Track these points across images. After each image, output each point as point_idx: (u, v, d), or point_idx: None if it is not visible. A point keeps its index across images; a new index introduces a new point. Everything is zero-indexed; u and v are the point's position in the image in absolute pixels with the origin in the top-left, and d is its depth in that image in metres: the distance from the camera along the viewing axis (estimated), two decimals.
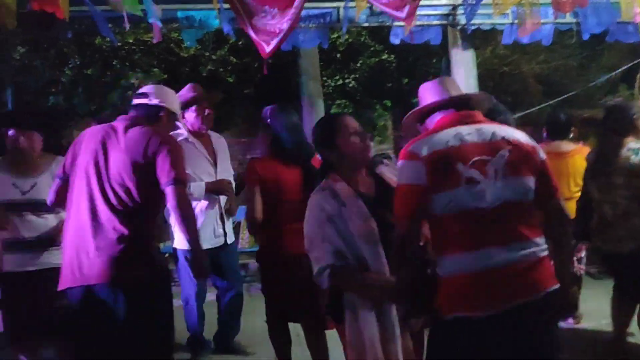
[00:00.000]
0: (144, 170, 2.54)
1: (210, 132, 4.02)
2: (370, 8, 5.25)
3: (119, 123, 2.67)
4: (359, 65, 10.34)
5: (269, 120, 3.27)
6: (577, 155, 4.29)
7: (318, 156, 2.71)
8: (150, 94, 2.76)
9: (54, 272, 2.85)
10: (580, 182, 4.25)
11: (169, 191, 2.54)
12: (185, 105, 3.71)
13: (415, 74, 10.56)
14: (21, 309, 3.14)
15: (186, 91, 3.81)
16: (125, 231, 2.50)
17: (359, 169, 2.35)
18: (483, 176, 1.91)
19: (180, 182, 2.56)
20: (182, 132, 3.47)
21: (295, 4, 3.55)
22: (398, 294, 2.08)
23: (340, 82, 10.38)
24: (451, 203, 1.91)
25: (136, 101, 2.77)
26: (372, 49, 10.23)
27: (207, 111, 3.85)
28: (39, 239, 3.15)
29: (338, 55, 10.16)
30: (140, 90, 2.85)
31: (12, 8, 3.82)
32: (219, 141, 4.07)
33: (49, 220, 3.19)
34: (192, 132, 3.83)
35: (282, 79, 9.16)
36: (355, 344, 2.15)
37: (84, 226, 2.52)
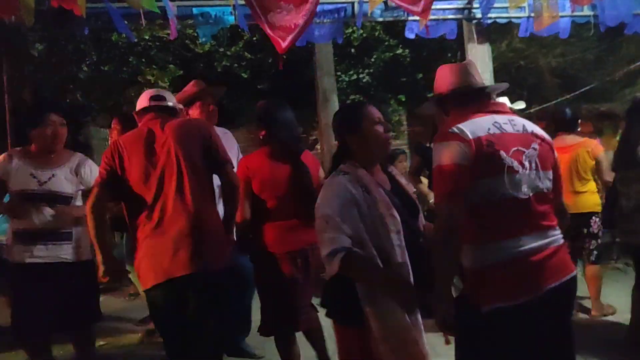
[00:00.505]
0: (204, 154, 2.73)
1: (216, 128, 3.97)
2: (385, 3, 5.25)
3: (152, 123, 2.77)
4: (373, 60, 10.30)
5: (262, 115, 3.29)
6: (580, 148, 4.27)
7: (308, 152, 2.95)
8: (166, 98, 2.92)
9: (64, 266, 3.18)
10: (585, 177, 4.25)
11: (228, 169, 2.80)
12: (189, 101, 3.72)
13: (430, 69, 10.49)
14: (29, 301, 3.13)
15: (190, 87, 3.81)
16: (213, 218, 2.73)
17: (378, 159, 2.31)
18: (520, 166, 1.98)
19: (229, 161, 2.83)
20: None
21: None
22: (441, 287, 1.93)
23: (355, 77, 10.35)
24: (492, 190, 1.96)
25: (156, 103, 2.85)
26: (386, 43, 10.19)
27: (211, 107, 3.79)
28: (52, 230, 3.18)
29: (352, 50, 10.13)
30: (158, 94, 2.94)
31: (31, 5, 3.88)
32: (225, 136, 3.89)
33: (64, 214, 3.23)
34: None
35: (296, 74, 9.17)
36: (391, 338, 2.03)
37: (175, 221, 2.58)
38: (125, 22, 4.95)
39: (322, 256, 2.07)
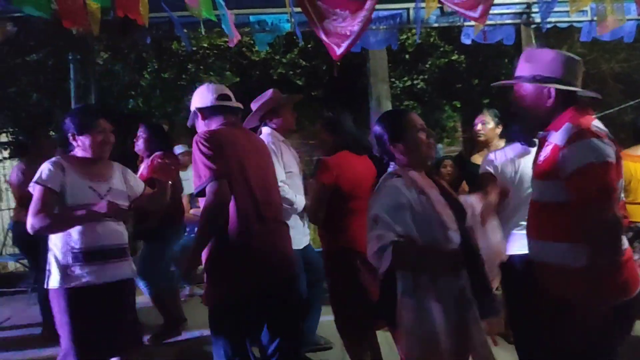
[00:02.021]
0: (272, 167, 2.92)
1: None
2: (441, 8, 5.21)
3: (239, 126, 2.86)
4: (427, 66, 10.21)
5: (335, 123, 3.43)
6: None
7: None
8: (231, 97, 2.88)
9: (122, 285, 2.92)
10: None
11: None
12: (274, 110, 3.85)
13: (486, 75, 10.32)
14: (93, 327, 2.82)
15: (272, 96, 3.89)
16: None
17: (421, 167, 2.29)
18: None
19: None
20: (276, 134, 3.87)
21: (367, 6, 3.57)
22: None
23: (409, 83, 10.29)
24: (619, 189, 2.04)
25: (231, 103, 2.83)
26: (441, 49, 10.08)
27: (289, 113, 3.93)
28: (117, 247, 2.92)
29: (406, 57, 10.08)
30: (222, 92, 2.84)
31: (97, 15, 4.05)
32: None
33: (123, 229, 3.00)
34: (281, 132, 3.94)
35: (350, 80, 9.20)
36: (418, 333, 2.05)
37: (264, 227, 2.67)
38: (185, 30, 5.12)
39: (370, 254, 2.06)
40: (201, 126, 2.82)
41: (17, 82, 6.16)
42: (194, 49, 8.19)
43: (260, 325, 2.79)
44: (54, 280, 2.80)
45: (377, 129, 2.34)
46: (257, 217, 2.64)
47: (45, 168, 2.82)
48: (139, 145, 4.50)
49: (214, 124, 2.77)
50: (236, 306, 2.61)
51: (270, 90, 3.96)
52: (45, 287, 2.85)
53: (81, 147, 2.94)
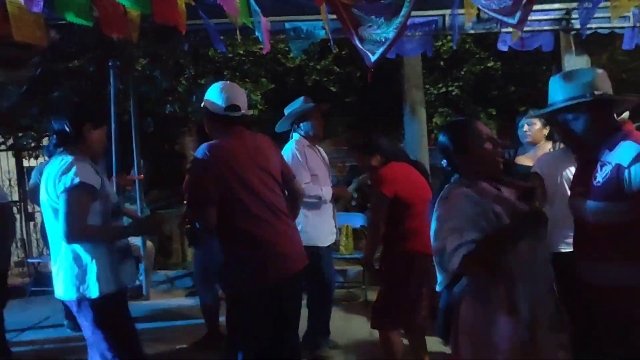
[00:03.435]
0: (280, 168, 2.98)
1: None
2: (477, 15, 5.15)
3: (245, 134, 2.90)
4: (462, 72, 10.11)
5: (369, 144, 3.60)
6: None
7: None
8: (242, 106, 2.93)
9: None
10: None
11: (298, 185, 3.14)
12: (304, 115, 4.11)
13: (523, 82, 10.16)
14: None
15: (302, 103, 4.14)
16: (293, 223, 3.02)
17: (490, 176, 2.21)
18: None
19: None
20: (303, 140, 4.12)
21: (402, 13, 3.56)
22: None
23: (444, 89, 10.21)
24: None
25: (236, 114, 2.89)
26: (477, 56, 9.97)
27: (320, 120, 4.19)
28: None
29: (441, 63, 10.00)
30: (234, 102, 2.90)
31: (137, 22, 4.15)
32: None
33: None
34: (308, 139, 4.18)
35: (384, 87, 9.18)
36: (475, 334, 2.03)
37: (275, 227, 2.81)
38: (221, 37, 5.19)
39: (441, 257, 2.04)
40: (207, 126, 2.99)
41: (60, 87, 6.33)
42: (230, 55, 8.29)
43: (271, 321, 2.87)
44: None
45: (442, 139, 2.28)
46: (266, 216, 2.78)
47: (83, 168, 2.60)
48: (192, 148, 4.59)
49: (216, 131, 2.92)
50: (251, 297, 2.75)
51: (301, 98, 4.18)
52: None
53: (94, 140, 2.74)
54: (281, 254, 2.80)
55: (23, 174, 8.12)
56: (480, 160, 2.17)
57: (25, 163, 8.26)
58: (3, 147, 8.25)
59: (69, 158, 2.62)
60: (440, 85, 10.20)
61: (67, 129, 2.67)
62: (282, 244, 2.81)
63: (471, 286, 2.07)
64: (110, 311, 2.71)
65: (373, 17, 3.64)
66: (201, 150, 2.77)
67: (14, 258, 8.44)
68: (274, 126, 4.38)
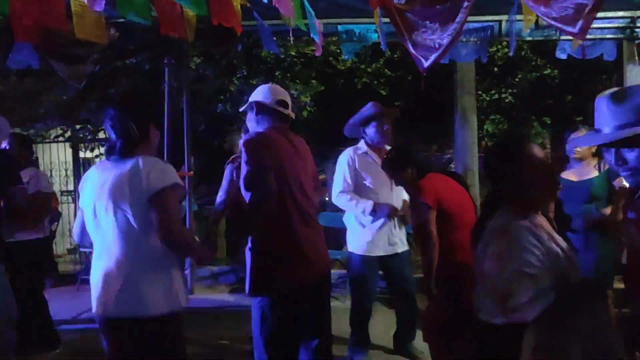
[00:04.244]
0: (312, 174, 3.01)
1: (387, 147, 4.19)
2: (536, 22, 5.01)
3: (290, 134, 2.95)
4: (517, 79, 9.89)
5: (403, 157, 3.55)
6: None
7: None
8: (289, 105, 3.00)
9: None
10: None
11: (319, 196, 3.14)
12: (366, 121, 4.07)
13: (581, 91, 9.86)
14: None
15: (368, 108, 4.10)
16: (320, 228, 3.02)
17: (541, 208, 2.02)
18: None
19: None
20: (362, 146, 4.10)
21: (458, 19, 3.49)
22: None
23: (496, 96, 10.02)
24: None
25: (285, 111, 2.96)
26: (532, 63, 9.73)
27: (385, 127, 4.07)
28: None
29: (495, 69, 9.81)
30: (283, 98, 2.97)
31: (193, 23, 4.22)
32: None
33: None
34: (370, 146, 4.12)
35: (435, 91, 9.07)
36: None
37: (304, 230, 2.84)
38: (274, 38, 5.23)
39: (514, 306, 1.86)
40: (251, 119, 3.01)
41: (117, 84, 6.53)
42: (282, 56, 8.36)
43: (298, 324, 2.91)
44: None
45: (490, 160, 2.09)
46: (298, 218, 2.80)
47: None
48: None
49: (265, 123, 2.94)
50: (279, 298, 2.77)
51: (370, 103, 4.15)
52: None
53: (151, 141, 2.49)
54: (311, 258, 2.84)
55: (79, 165, 8.44)
56: (531, 188, 1.96)
57: (81, 154, 8.58)
58: (61, 138, 8.57)
59: (151, 158, 2.36)
60: (493, 91, 10.01)
61: (133, 131, 2.39)
62: (309, 249, 2.84)
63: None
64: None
65: (427, 22, 3.59)
66: (253, 134, 2.82)
67: (66, 245, 8.79)
68: (323, 127, 4.38)
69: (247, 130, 4.50)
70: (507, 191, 2.01)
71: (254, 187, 2.66)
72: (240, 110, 3.15)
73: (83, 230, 2.48)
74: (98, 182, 2.34)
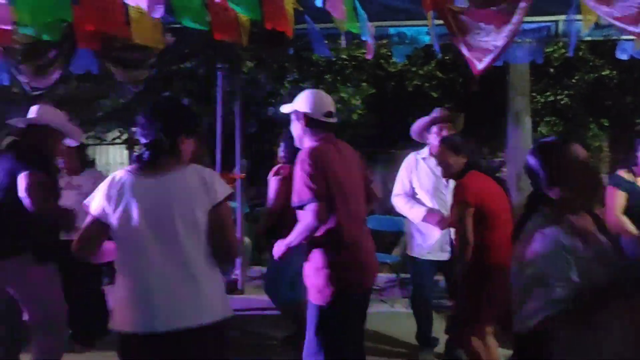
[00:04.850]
0: (362, 177, 3.03)
1: None
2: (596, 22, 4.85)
3: (337, 141, 2.98)
4: (574, 80, 9.59)
5: (460, 144, 3.54)
6: None
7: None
8: (333, 113, 3.00)
9: None
10: None
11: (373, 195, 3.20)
12: (428, 125, 4.09)
13: None
14: None
15: (433, 112, 4.14)
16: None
17: (585, 208, 1.97)
18: None
19: None
20: (423, 151, 4.16)
21: (514, 20, 3.41)
22: None
23: (552, 98, 9.74)
24: None
25: (332, 120, 2.97)
26: (590, 63, 9.42)
27: (444, 132, 4.01)
28: None
29: (551, 70, 9.54)
30: (330, 109, 2.98)
31: (247, 27, 4.29)
32: None
33: None
34: (431, 149, 4.10)
35: (487, 93, 8.89)
36: None
37: (360, 234, 2.90)
38: (325, 41, 5.24)
39: (526, 313, 1.84)
40: (297, 127, 2.98)
41: (171, 88, 6.70)
42: (334, 59, 8.38)
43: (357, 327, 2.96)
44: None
45: (532, 162, 2.03)
46: (352, 226, 2.84)
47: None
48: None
49: (314, 134, 2.93)
50: (341, 304, 2.79)
51: (436, 108, 4.19)
52: None
53: (184, 150, 2.38)
54: (366, 262, 2.91)
55: None
56: (576, 193, 1.92)
57: None
58: (118, 140, 8.85)
59: (206, 168, 2.36)
60: (548, 93, 9.74)
61: (163, 139, 2.29)
62: (365, 253, 2.91)
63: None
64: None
65: (482, 24, 3.52)
66: (306, 152, 2.82)
67: None
68: (373, 130, 4.41)
69: (288, 139, 4.55)
70: (547, 193, 1.96)
71: (306, 210, 2.74)
72: (283, 112, 3.14)
73: None
74: (146, 192, 2.24)
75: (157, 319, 2.18)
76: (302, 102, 2.98)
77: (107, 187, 2.28)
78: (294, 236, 2.84)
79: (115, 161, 8.90)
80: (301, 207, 2.76)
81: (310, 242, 2.84)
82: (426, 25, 4.79)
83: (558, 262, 1.81)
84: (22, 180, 3.12)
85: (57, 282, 3.35)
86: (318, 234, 2.78)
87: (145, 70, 4.73)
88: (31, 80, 4.58)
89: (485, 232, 3.28)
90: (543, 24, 5.14)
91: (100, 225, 2.26)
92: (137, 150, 9.22)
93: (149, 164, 2.27)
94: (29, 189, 3.10)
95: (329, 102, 3.02)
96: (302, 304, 4.87)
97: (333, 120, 2.98)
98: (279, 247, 2.98)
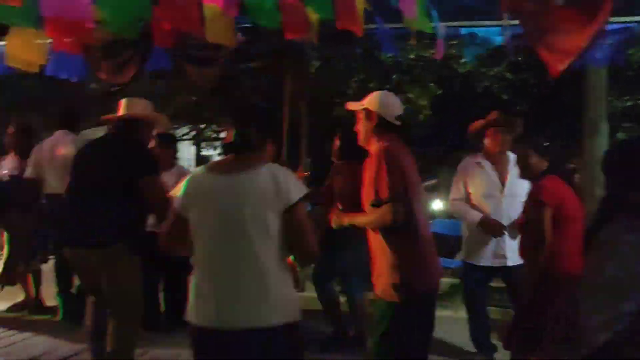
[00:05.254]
0: None
1: (509, 154, 4.14)
2: None
3: (402, 143, 2.93)
4: None
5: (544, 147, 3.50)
6: None
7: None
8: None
9: None
10: None
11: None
12: (482, 128, 4.12)
13: None
14: None
15: (489, 116, 4.14)
16: None
17: None
18: None
19: None
20: (479, 155, 4.16)
21: (598, 20, 3.26)
22: None
23: (630, 103, 9.28)
24: None
25: (398, 123, 2.91)
26: None
27: (499, 135, 4.05)
28: None
29: (630, 73, 9.08)
30: (400, 113, 2.96)
31: (316, 26, 4.31)
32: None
33: None
34: (487, 155, 4.14)
35: (560, 96, 8.58)
36: None
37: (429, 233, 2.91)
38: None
39: (588, 324, 1.72)
40: (367, 127, 2.93)
41: (241, 86, 6.81)
42: (401, 59, 8.29)
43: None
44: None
45: (611, 162, 1.95)
46: (426, 227, 2.86)
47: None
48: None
49: (386, 136, 2.87)
50: (418, 303, 2.78)
51: (493, 112, 4.15)
52: None
53: (268, 153, 2.49)
54: (436, 263, 2.92)
55: (201, 162, 8.96)
56: None
57: (204, 152, 9.09)
58: (187, 137, 9.11)
59: (276, 166, 2.36)
60: (626, 97, 9.28)
61: (252, 139, 2.38)
62: (434, 254, 2.91)
63: None
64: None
65: (564, 24, 3.38)
66: (384, 151, 2.78)
67: None
68: (439, 131, 4.39)
69: (345, 137, 4.55)
70: (626, 196, 1.83)
71: (384, 208, 2.69)
72: (349, 108, 3.10)
73: None
74: (221, 191, 2.27)
75: (222, 316, 2.21)
76: (374, 102, 2.93)
77: (187, 185, 2.36)
78: (363, 220, 2.85)
79: (183, 157, 9.16)
80: (378, 205, 2.71)
81: (387, 241, 2.78)
82: (499, 26, 4.67)
83: (635, 277, 1.67)
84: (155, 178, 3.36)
85: (140, 274, 3.46)
86: (397, 232, 2.72)
87: (216, 69, 4.83)
88: (109, 77, 4.78)
89: (558, 238, 3.18)
90: (627, 25, 4.89)
91: (183, 221, 2.33)
92: (204, 147, 9.48)
93: (230, 162, 2.33)
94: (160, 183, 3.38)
95: (399, 105, 3.00)
96: (354, 301, 4.80)
97: (398, 122, 2.93)
98: (339, 217, 3.02)
